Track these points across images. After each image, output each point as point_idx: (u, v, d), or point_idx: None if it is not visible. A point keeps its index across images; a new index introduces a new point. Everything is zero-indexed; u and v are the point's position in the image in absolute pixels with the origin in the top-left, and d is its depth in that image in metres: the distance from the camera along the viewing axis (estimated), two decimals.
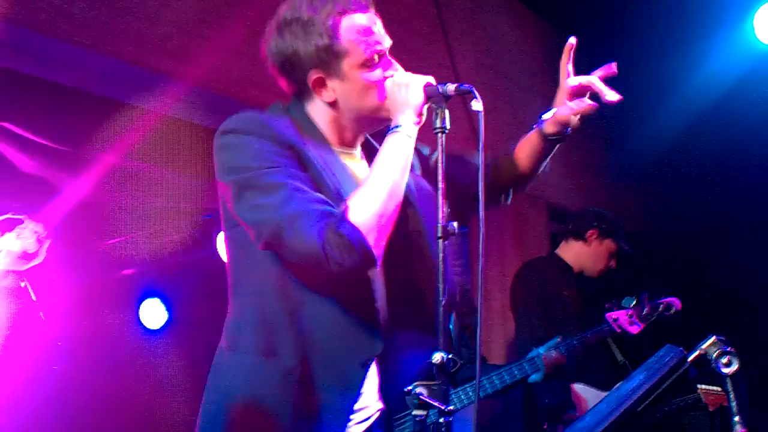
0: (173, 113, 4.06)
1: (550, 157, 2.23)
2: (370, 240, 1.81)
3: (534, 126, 2.18)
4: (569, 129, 2.13)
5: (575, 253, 4.24)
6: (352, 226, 1.79)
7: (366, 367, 1.92)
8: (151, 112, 4.02)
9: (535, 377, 3.70)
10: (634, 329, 3.83)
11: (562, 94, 2.09)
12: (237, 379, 1.92)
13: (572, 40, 2.08)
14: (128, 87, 3.77)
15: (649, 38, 5.21)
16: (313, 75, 1.98)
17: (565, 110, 2.08)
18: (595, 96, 2.07)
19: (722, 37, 5.18)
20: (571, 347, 3.73)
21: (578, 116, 2.08)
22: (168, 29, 3.66)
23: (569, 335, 3.85)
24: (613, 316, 3.84)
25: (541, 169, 2.26)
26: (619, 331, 3.83)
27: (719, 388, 3.94)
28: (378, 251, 1.84)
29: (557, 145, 2.18)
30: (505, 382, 3.59)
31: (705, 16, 5.12)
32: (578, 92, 2.07)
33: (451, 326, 2.00)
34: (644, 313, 3.85)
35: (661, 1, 5.08)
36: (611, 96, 2.01)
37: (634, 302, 3.87)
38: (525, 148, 2.22)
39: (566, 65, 2.08)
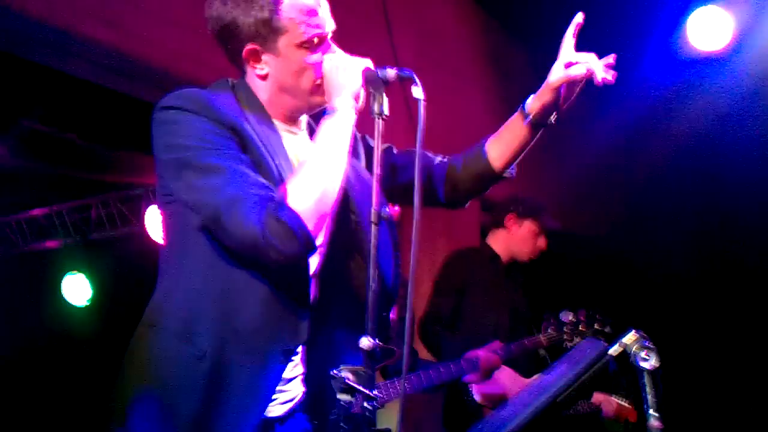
0: (105, 84, 3.96)
1: (527, 149, 2.16)
2: (311, 226, 1.79)
3: (517, 108, 2.12)
4: (555, 112, 2.08)
5: (500, 241, 4.30)
6: (293, 212, 1.77)
7: (289, 355, 1.90)
8: (82, 81, 3.91)
9: (469, 378, 3.73)
10: (568, 344, 3.88)
11: (557, 67, 2.04)
12: (149, 359, 1.88)
13: (580, 16, 2.05)
14: (59, 53, 3.65)
15: (584, 42, 5.27)
16: (249, 46, 1.94)
17: (558, 74, 2.03)
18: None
19: (655, 43, 5.28)
20: (508, 353, 3.78)
21: (570, 86, 2.04)
22: None
23: (503, 330, 3.92)
24: (550, 330, 3.90)
25: (514, 163, 2.19)
26: (551, 343, 3.89)
27: (624, 401, 4.09)
28: (317, 237, 1.82)
29: (538, 134, 2.12)
30: (441, 378, 3.60)
31: (638, 20, 5.20)
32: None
33: (389, 317, 1.99)
34: (579, 329, 3.90)
35: (596, 5, 5.15)
36: (604, 75, 1.99)
37: (572, 317, 3.90)
38: (502, 137, 2.17)
39: (568, 40, 2.04)
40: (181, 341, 1.84)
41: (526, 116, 2.11)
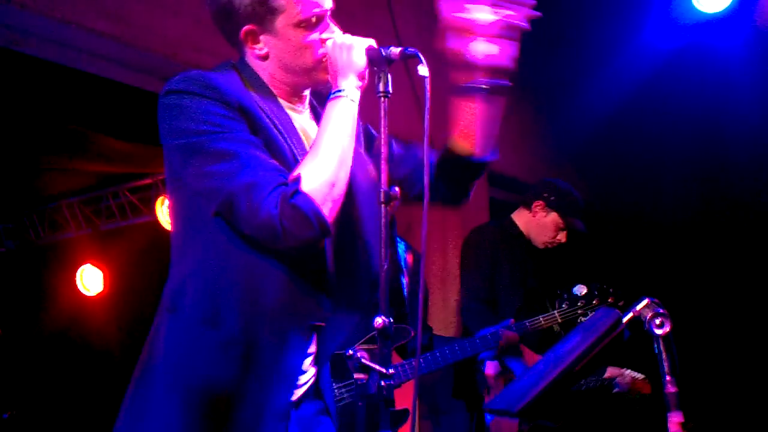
0: (110, 75, 3.96)
1: (490, 119, 2.04)
2: (325, 210, 1.78)
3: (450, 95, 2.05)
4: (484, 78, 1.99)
5: (524, 221, 4.25)
6: (307, 197, 1.76)
7: (311, 334, 1.91)
8: (87, 74, 3.91)
9: (485, 355, 3.72)
10: (582, 319, 3.85)
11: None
12: (176, 344, 1.86)
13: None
14: (63, 48, 3.65)
15: (584, 6, 5.22)
16: (246, 27, 1.91)
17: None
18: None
19: (659, 5, 5.23)
20: (522, 329, 3.76)
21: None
22: None
23: (518, 308, 3.92)
24: (564, 305, 3.87)
25: (489, 136, 2.07)
26: (565, 319, 3.87)
27: (639, 375, 4.08)
28: (332, 221, 1.81)
29: (490, 99, 2.01)
30: (456, 356, 3.59)
31: None
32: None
33: (405, 294, 2.00)
34: (593, 304, 3.87)
35: None
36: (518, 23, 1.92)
37: (585, 292, 3.86)
38: (455, 122, 2.07)
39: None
40: (207, 327, 1.83)
41: (456, 89, 2.02)
